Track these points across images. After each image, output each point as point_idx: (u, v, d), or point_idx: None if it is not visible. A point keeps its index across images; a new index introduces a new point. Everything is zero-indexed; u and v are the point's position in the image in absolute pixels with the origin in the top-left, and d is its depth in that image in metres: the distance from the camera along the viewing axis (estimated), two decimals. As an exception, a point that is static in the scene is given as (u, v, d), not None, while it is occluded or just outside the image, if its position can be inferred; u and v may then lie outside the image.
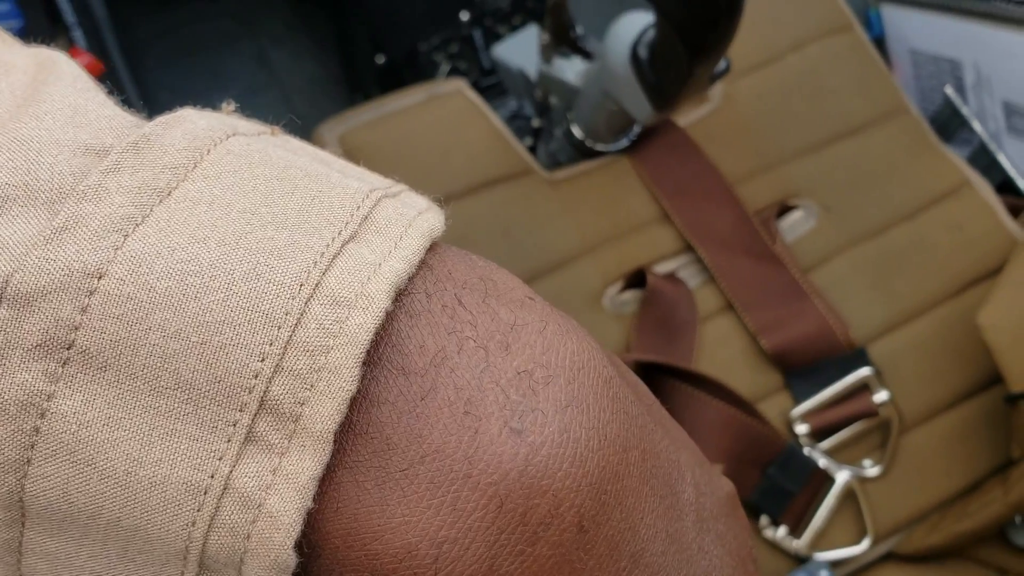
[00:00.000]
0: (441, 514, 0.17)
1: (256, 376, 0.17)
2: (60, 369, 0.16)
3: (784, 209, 0.83)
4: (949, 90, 0.94)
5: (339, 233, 0.18)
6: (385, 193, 0.20)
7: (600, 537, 0.18)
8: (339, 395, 0.17)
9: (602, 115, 0.80)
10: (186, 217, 0.17)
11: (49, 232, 0.17)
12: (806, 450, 0.76)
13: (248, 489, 0.17)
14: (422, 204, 0.21)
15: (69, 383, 0.16)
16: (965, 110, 0.93)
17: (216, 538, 0.17)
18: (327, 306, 0.17)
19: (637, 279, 0.79)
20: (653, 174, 0.82)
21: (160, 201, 0.18)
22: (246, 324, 0.17)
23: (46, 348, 0.16)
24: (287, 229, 0.18)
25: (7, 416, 0.16)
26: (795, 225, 0.82)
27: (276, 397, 0.17)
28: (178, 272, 0.17)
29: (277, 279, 0.17)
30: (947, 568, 0.77)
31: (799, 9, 0.89)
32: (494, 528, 0.17)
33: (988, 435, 0.78)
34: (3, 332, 0.16)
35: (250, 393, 0.17)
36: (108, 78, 0.94)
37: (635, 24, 0.70)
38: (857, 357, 0.77)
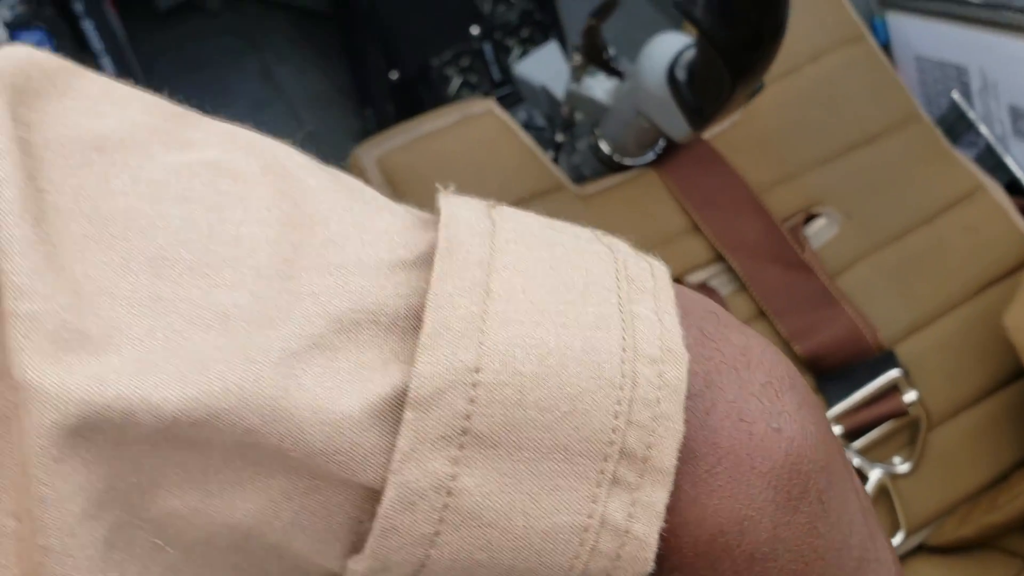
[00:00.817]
0: (740, 500, 0.22)
1: (614, 431, 0.20)
2: (459, 453, 0.19)
3: (808, 216, 0.86)
4: (956, 95, 0.97)
5: (620, 299, 0.22)
6: (616, 248, 0.24)
7: (832, 508, 0.23)
8: (675, 435, 0.21)
9: (631, 131, 0.82)
10: (515, 307, 0.20)
11: (424, 341, 0.19)
12: (840, 450, 0.79)
13: (617, 521, 0.20)
14: (629, 250, 0.25)
15: (468, 463, 0.20)
16: (972, 114, 0.96)
17: (594, 564, 0.20)
18: (648, 365, 0.21)
19: (672, 290, 0.81)
20: (681, 186, 0.84)
21: (487, 295, 0.20)
22: (598, 391, 0.20)
23: (447, 438, 0.19)
24: (587, 302, 0.21)
25: (423, 500, 0.19)
26: (819, 232, 0.85)
27: (631, 446, 0.20)
28: (536, 356, 0.20)
29: (608, 349, 0.21)
30: (976, 558, 0.80)
31: (813, 21, 0.91)
32: (773, 504, 0.22)
33: (1011, 428, 0.81)
34: (413, 431, 0.19)
35: (611, 446, 0.20)
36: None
37: (669, 45, 0.72)
38: (886, 359, 0.80)
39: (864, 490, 0.27)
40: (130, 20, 1.23)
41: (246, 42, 1.41)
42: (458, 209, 0.22)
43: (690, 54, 0.70)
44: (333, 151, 1.33)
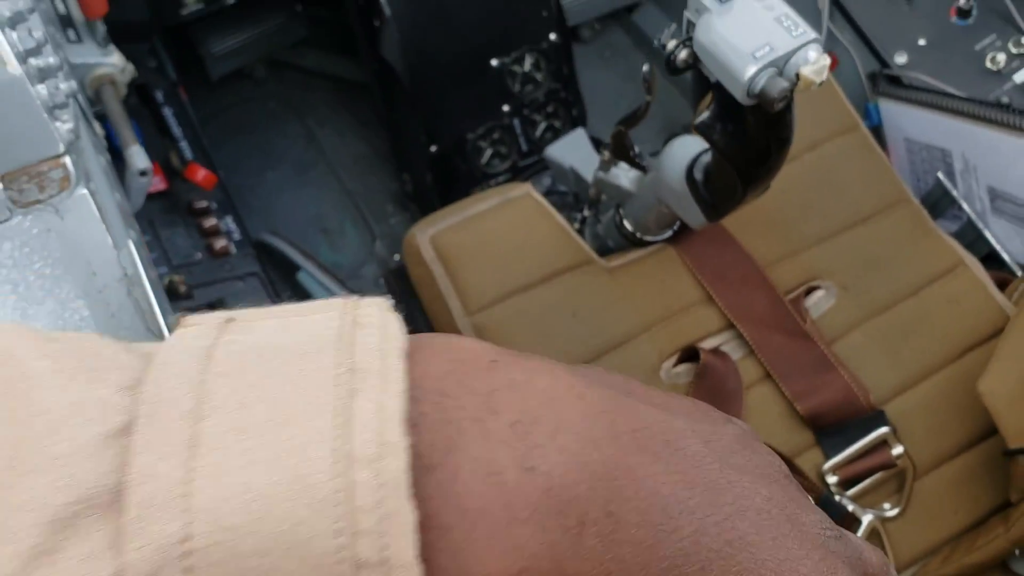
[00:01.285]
0: (508, 555, 0.21)
1: (341, 549, 0.20)
2: None
3: (809, 289, 0.97)
4: (941, 175, 1.09)
5: (336, 401, 0.21)
6: (345, 330, 0.22)
7: (629, 510, 0.22)
8: (407, 529, 0.20)
9: (652, 214, 0.94)
10: (224, 453, 0.20)
11: (129, 527, 0.19)
12: (836, 497, 0.89)
13: None
14: (376, 315, 0.23)
15: None
16: (955, 193, 1.08)
17: None
18: (364, 468, 0.20)
19: (689, 354, 0.92)
20: (696, 262, 0.96)
21: (195, 449, 0.20)
22: (313, 517, 0.20)
23: None
24: (298, 418, 0.21)
25: None
26: (818, 303, 0.97)
27: (364, 555, 0.20)
28: (243, 506, 0.20)
29: (318, 469, 0.20)
30: (957, 594, 0.91)
31: (813, 112, 1.03)
32: (549, 542, 0.21)
33: (987, 479, 0.92)
34: None
35: (342, 563, 0.20)
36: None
37: (688, 148, 0.83)
38: (877, 417, 0.91)
39: (714, 451, 0.25)
40: (187, 88, 1.35)
41: (290, 107, 1.52)
42: (173, 352, 0.22)
43: (706, 158, 0.81)
44: (372, 210, 1.45)
